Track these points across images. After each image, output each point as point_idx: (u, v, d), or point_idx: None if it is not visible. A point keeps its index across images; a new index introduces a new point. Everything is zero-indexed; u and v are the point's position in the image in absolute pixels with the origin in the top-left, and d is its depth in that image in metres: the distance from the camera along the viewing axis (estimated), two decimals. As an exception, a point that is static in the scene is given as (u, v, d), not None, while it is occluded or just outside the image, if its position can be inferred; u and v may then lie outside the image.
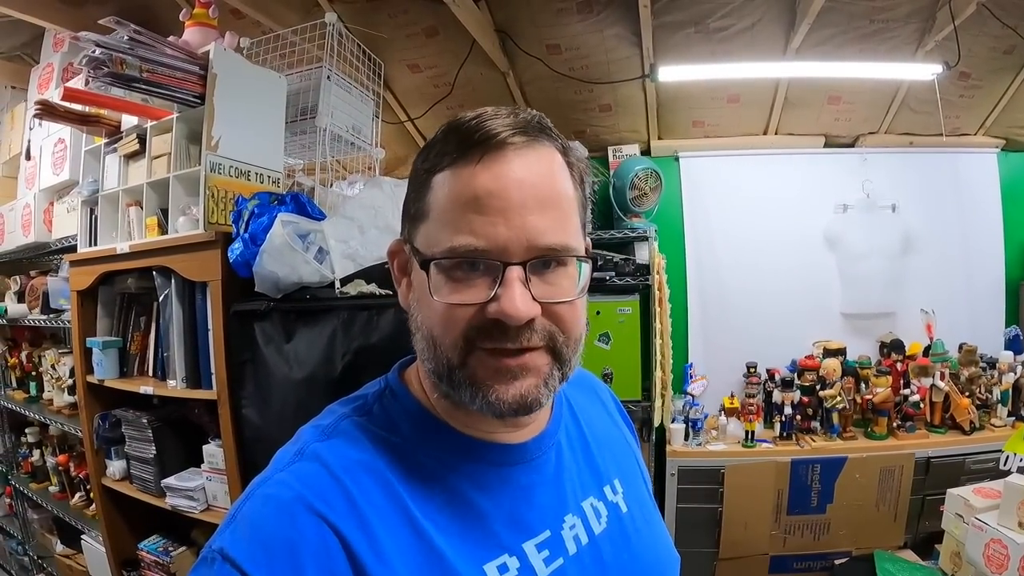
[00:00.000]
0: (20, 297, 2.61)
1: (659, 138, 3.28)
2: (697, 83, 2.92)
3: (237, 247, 1.61)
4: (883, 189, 3.14)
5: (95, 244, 2.15)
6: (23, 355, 2.72)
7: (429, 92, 2.97)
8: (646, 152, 3.28)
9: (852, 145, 3.24)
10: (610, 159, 3.22)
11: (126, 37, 1.66)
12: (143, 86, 1.71)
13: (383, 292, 1.56)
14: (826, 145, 3.25)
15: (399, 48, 2.72)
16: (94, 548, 2.33)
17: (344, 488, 0.53)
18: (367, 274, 1.64)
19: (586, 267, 0.58)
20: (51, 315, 2.44)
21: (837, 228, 3.20)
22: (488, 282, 0.53)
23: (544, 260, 0.54)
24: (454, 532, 0.55)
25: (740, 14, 2.58)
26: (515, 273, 0.52)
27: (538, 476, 0.63)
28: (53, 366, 2.53)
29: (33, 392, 2.70)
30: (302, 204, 1.74)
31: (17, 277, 2.64)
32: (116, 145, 2.05)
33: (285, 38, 2.15)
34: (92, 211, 2.16)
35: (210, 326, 1.77)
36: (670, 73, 2.72)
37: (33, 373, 2.69)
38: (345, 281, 1.62)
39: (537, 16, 2.59)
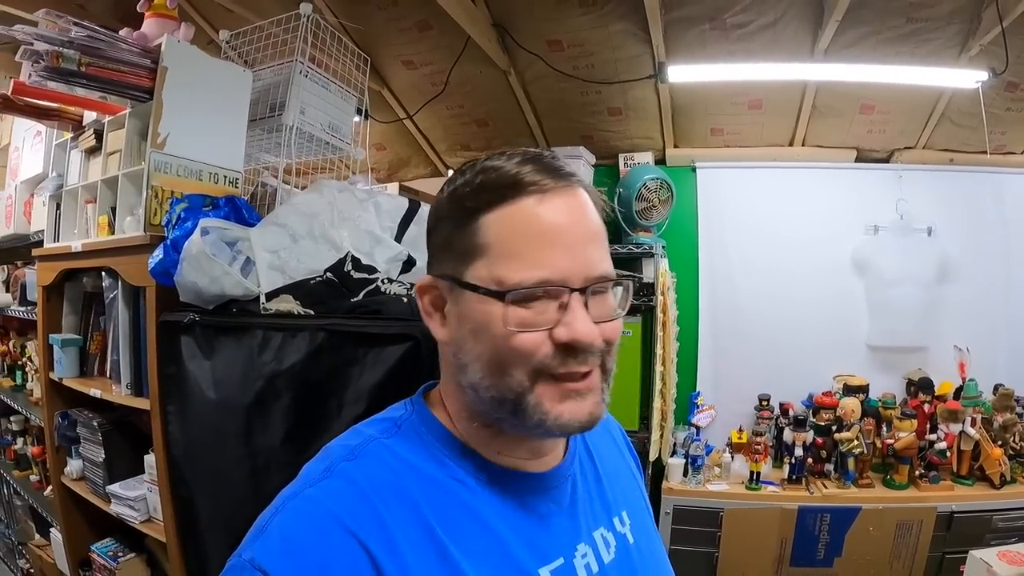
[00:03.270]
0: (7, 286, 2.61)
1: (675, 146, 3.06)
2: (715, 86, 2.69)
3: (157, 254, 1.50)
4: (919, 210, 2.87)
5: (58, 240, 2.10)
6: (11, 343, 2.73)
7: (427, 90, 2.83)
8: (661, 161, 3.07)
9: (887, 160, 2.96)
10: (621, 167, 3.00)
11: (72, 30, 1.59)
12: (82, 80, 1.63)
13: (303, 311, 1.42)
14: (858, 159, 2.98)
15: (392, 43, 2.60)
16: (59, 542, 2.31)
17: (374, 508, 0.55)
18: (298, 287, 1.50)
19: (620, 288, 0.63)
20: (27, 307, 2.42)
21: (867, 251, 2.94)
22: (553, 310, 0.57)
23: (595, 287, 0.59)
24: (476, 555, 0.57)
25: (761, 9, 2.34)
26: (579, 300, 0.57)
27: (555, 505, 0.66)
28: (30, 358, 2.52)
29: (19, 381, 2.70)
30: (238, 209, 1.62)
31: (4, 267, 2.64)
32: (77, 140, 2.00)
33: (265, 30, 2.05)
34: (57, 206, 2.12)
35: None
36: (681, 73, 2.50)
37: (20, 362, 2.69)
38: (271, 296, 1.49)
39: (536, 9, 2.42)
